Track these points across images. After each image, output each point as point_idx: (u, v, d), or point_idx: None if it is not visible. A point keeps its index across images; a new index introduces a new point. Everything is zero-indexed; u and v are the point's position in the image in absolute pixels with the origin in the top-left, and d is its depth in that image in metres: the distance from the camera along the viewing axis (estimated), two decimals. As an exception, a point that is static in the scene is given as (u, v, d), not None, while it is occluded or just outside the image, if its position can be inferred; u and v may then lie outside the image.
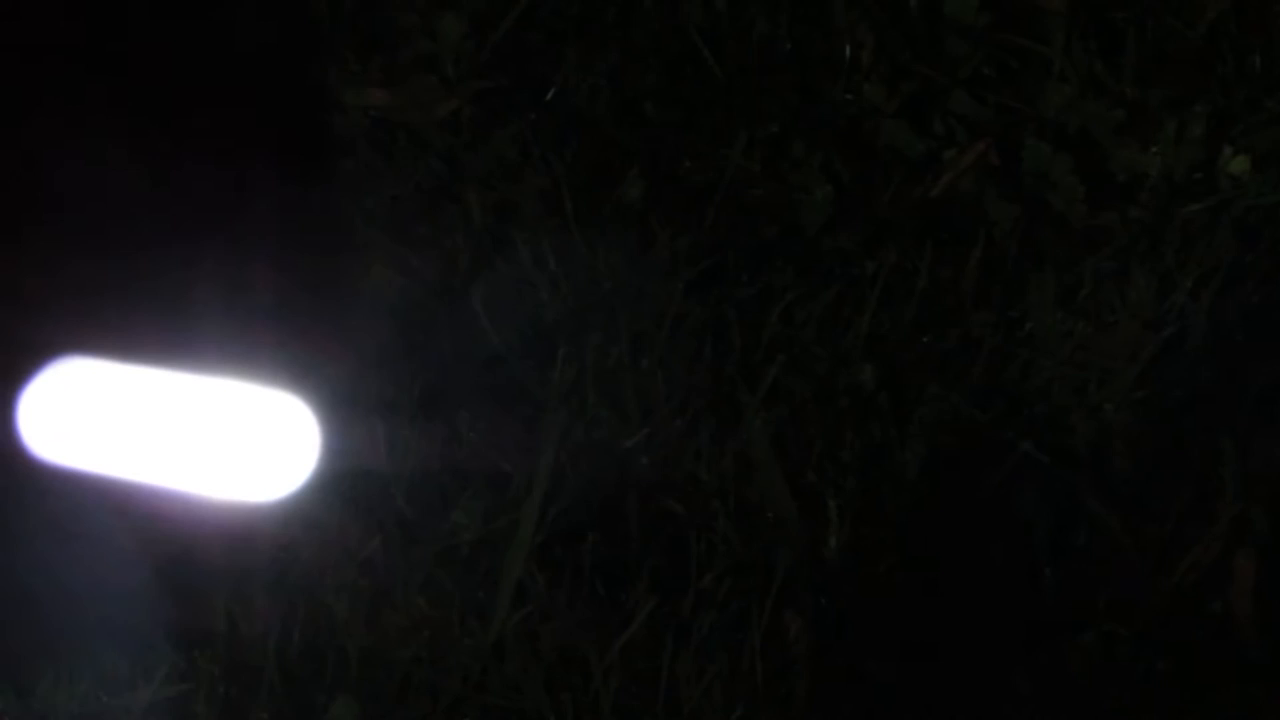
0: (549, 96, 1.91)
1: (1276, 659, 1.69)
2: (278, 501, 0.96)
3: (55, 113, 0.97)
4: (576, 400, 1.74)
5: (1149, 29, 1.94)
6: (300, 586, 1.63)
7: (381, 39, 1.91)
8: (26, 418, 0.94)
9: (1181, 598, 1.70)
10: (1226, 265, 1.84)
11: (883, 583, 1.70)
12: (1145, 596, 1.69)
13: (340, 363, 1.00)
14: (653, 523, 1.71)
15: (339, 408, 0.96)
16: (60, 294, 0.97)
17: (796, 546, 1.70)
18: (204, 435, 0.95)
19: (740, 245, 1.84)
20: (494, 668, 1.63)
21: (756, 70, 1.93)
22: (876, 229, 1.86)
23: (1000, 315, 1.82)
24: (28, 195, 0.96)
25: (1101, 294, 1.83)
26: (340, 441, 0.94)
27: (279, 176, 1.15)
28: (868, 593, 1.70)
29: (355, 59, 1.88)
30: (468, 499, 1.69)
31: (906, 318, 1.81)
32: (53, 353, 0.94)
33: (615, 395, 1.74)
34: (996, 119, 1.91)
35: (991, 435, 1.76)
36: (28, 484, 0.98)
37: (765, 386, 1.76)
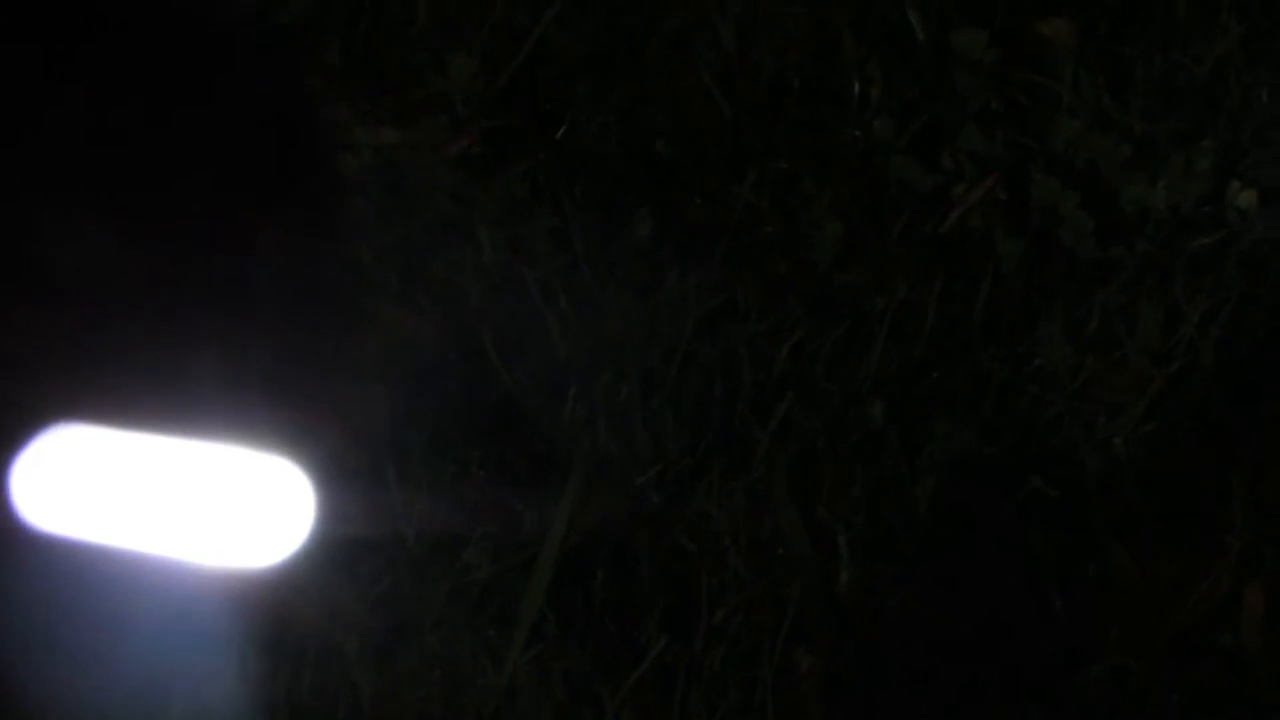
0: (559, 135, 1.92)
1: (1287, 693, 1.69)
2: (273, 567, 0.96)
3: (49, 173, 0.97)
4: (588, 438, 1.74)
5: (1157, 64, 1.94)
6: (306, 631, 1.63)
7: (392, 78, 1.91)
8: (19, 485, 0.93)
9: (1191, 631, 1.70)
10: (1234, 299, 1.85)
11: (894, 618, 1.71)
12: (1155, 629, 1.70)
13: (340, 428, 1.00)
14: (664, 559, 1.71)
15: (336, 473, 0.96)
16: (53, 358, 0.96)
17: (808, 582, 1.70)
18: (199, 501, 0.94)
19: (750, 282, 1.85)
20: (506, 706, 1.64)
21: (766, 108, 1.93)
22: (886, 265, 1.87)
23: (1009, 350, 1.83)
24: (20, 257, 0.96)
25: (1110, 328, 1.84)
26: (337, 507, 0.94)
27: (285, 224, 1.14)
28: (879, 628, 1.70)
29: (366, 97, 1.89)
30: (479, 538, 1.69)
31: (916, 353, 1.82)
32: (45, 419, 0.93)
33: (626, 433, 1.75)
34: (1005, 154, 1.92)
35: (1001, 470, 1.76)
36: (19, 552, 0.98)
37: (775, 423, 1.76)
